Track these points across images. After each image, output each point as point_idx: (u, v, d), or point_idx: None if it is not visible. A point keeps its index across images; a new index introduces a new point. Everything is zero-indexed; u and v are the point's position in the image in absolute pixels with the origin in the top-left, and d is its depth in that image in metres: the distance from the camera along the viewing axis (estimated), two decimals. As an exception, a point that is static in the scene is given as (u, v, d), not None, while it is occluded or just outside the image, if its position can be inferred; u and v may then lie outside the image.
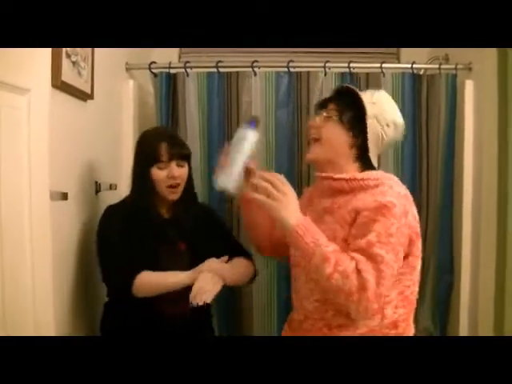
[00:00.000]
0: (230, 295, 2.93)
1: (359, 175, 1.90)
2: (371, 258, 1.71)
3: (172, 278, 2.12)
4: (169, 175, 2.18)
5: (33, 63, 1.65)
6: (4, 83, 1.47)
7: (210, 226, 2.34)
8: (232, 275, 2.17)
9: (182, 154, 2.22)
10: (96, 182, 2.46)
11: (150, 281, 2.12)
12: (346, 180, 1.89)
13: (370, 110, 1.92)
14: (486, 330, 2.63)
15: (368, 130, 1.91)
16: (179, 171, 2.20)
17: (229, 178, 1.94)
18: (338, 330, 1.86)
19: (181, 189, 2.24)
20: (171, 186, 2.20)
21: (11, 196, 1.52)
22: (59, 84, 2.00)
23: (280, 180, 1.79)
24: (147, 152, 2.22)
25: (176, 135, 2.41)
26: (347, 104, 1.95)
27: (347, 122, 1.93)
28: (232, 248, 2.32)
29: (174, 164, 2.19)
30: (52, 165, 1.77)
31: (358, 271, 1.69)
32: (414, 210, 1.88)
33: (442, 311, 3.00)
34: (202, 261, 2.15)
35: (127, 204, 2.27)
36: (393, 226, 1.75)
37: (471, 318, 2.83)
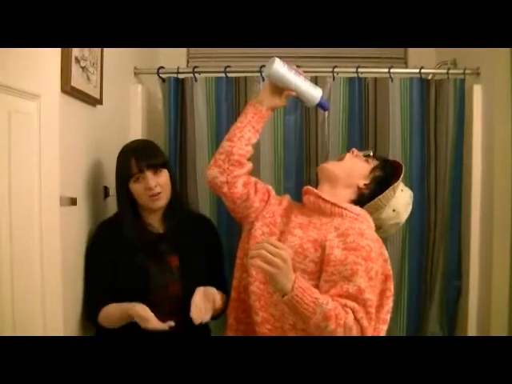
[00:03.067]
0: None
1: (343, 204, 2.04)
2: (363, 304, 1.80)
3: (120, 313, 2.07)
4: (146, 186, 2.17)
5: (42, 69, 1.66)
6: (14, 89, 1.48)
7: (203, 240, 2.32)
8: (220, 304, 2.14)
9: (152, 164, 2.20)
10: (105, 187, 2.47)
11: (109, 314, 2.12)
12: (331, 203, 2.03)
13: (396, 191, 2.09)
14: (499, 332, 2.61)
15: (381, 197, 2.07)
16: (156, 180, 2.18)
17: (283, 67, 2.04)
18: None
19: (164, 196, 2.22)
20: (152, 196, 2.19)
21: (21, 201, 1.52)
22: (69, 89, 2.01)
23: (275, 244, 1.73)
24: (121, 169, 2.24)
25: (145, 145, 2.34)
26: (386, 167, 2.14)
27: (374, 175, 2.11)
28: (216, 272, 2.29)
29: (148, 174, 2.17)
30: (61, 170, 1.77)
31: (357, 320, 1.78)
32: (385, 252, 1.98)
33: (450, 316, 2.99)
34: (193, 274, 2.15)
35: (116, 218, 2.29)
36: (372, 270, 1.86)
37: (479, 322, 2.82)
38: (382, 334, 1.95)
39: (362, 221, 2.01)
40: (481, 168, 2.83)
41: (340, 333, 1.74)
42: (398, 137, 2.88)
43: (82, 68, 2.14)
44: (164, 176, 2.22)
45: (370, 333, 1.80)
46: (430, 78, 3.02)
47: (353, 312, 1.77)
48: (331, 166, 2.14)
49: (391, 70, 2.88)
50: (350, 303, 1.78)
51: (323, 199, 2.04)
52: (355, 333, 1.76)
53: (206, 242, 2.32)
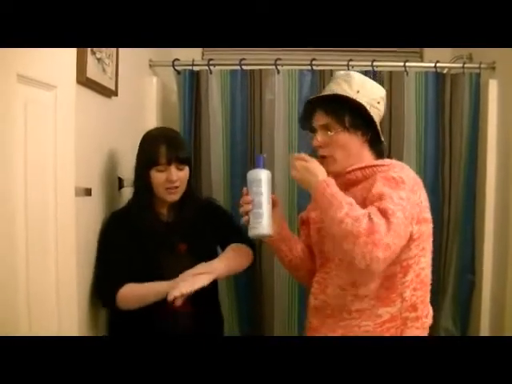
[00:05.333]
0: (251, 297, 2.95)
1: (373, 162, 1.94)
2: (382, 211, 1.72)
3: (153, 288, 2.11)
4: (168, 179, 2.18)
5: (59, 60, 1.66)
6: (31, 79, 1.49)
7: (209, 221, 2.34)
8: (224, 266, 2.18)
9: (181, 158, 2.21)
10: (119, 178, 2.48)
11: (133, 293, 2.14)
12: (361, 169, 1.93)
13: (363, 101, 1.93)
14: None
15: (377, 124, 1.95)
16: (178, 174, 2.19)
17: (263, 224, 1.93)
18: (357, 314, 1.88)
19: (180, 190, 2.24)
20: (170, 188, 2.21)
21: (37, 191, 1.53)
22: (84, 80, 2.02)
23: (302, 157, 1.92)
24: (147, 155, 2.23)
25: (176, 137, 2.35)
26: (338, 109, 1.95)
27: (352, 127, 1.94)
28: (231, 235, 2.33)
29: (173, 167, 2.18)
30: (76, 160, 1.78)
31: (369, 217, 1.71)
32: (423, 193, 1.90)
33: (463, 311, 2.98)
34: (203, 260, 2.16)
35: (128, 208, 2.30)
36: (402, 192, 1.78)
37: (493, 318, 2.81)
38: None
39: (394, 166, 1.91)
40: (495, 162, 2.82)
41: (347, 223, 1.71)
42: (413, 131, 2.88)
43: (98, 59, 2.15)
44: (185, 171, 2.24)
45: (380, 235, 1.68)
46: (445, 72, 3.01)
47: (368, 212, 1.73)
48: (334, 167, 1.96)
49: (406, 64, 2.87)
50: (369, 207, 1.76)
51: (349, 171, 1.93)
52: (363, 227, 1.68)
53: (213, 219, 2.35)
